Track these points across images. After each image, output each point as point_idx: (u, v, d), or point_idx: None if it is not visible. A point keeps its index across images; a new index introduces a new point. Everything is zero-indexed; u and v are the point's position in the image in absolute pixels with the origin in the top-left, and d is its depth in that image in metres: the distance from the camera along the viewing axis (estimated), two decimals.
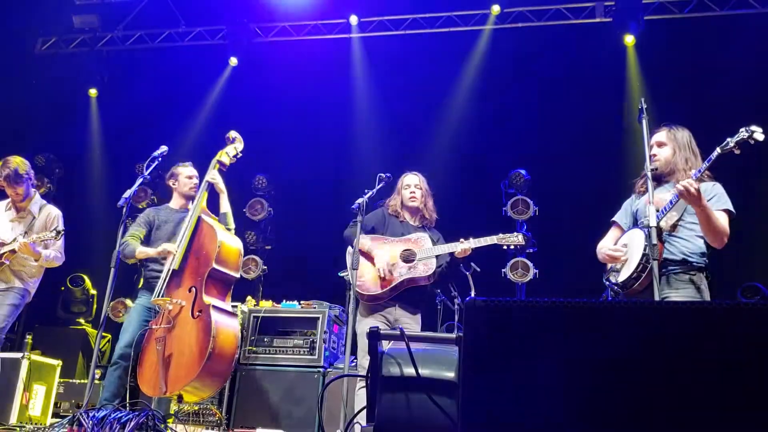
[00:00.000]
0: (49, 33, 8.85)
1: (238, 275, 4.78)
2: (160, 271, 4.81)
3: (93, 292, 7.93)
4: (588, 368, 1.72)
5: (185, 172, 5.24)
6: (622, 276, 3.69)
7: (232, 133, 5.25)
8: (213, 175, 5.00)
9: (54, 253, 5.09)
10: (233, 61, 8.36)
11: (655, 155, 3.81)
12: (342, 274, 4.53)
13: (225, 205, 5.05)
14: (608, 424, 1.67)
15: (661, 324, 1.71)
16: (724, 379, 1.64)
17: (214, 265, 4.57)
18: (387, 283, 4.36)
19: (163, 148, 4.92)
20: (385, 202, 4.73)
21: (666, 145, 3.83)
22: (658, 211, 3.61)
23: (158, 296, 4.59)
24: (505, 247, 4.41)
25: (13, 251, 4.92)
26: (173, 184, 5.25)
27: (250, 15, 8.27)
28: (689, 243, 3.70)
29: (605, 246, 3.98)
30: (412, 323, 4.43)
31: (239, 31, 8.28)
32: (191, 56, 8.55)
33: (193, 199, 5.17)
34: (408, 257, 4.41)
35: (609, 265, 3.91)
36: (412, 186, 4.66)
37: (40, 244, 4.95)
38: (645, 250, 3.52)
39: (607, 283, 3.86)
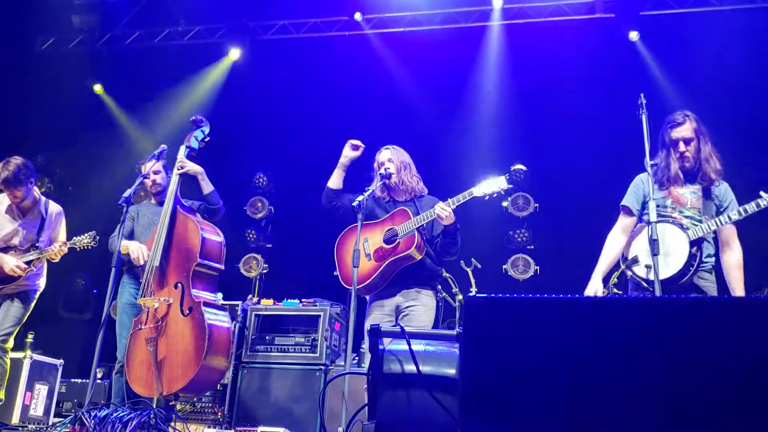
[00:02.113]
0: (48, 32, 8.84)
1: (223, 267, 4.70)
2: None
3: (94, 291, 7.95)
4: (590, 364, 1.72)
5: (143, 171, 5.08)
6: (664, 274, 3.60)
7: (198, 117, 5.10)
8: (182, 165, 4.83)
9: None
10: (234, 53, 8.32)
11: (684, 153, 3.82)
12: (337, 273, 4.44)
13: (206, 186, 4.90)
14: (610, 420, 1.67)
15: (666, 319, 1.71)
16: (728, 374, 1.63)
17: (200, 259, 4.49)
18: (373, 270, 4.18)
19: (163, 147, 4.92)
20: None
21: (693, 140, 3.83)
22: (682, 209, 3.74)
23: (143, 295, 4.50)
24: (486, 198, 4.02)
25: (38, 258, 4.89)
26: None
27: (249, 13, 8.27)
28: (707, 249, 3.79)
29: (616, 248, 3.95)
30: (417, 304, 4.17)
31: (239, 30, 8.28)
32: (191, 55, 8.54)
33: (159, 194, 5.11)
34: (391, 237, 4.21)
35: (632, 255, 3.85)
36: (386, 162, 4.43)
37: (82, 246, 4.94)
38: (692, 250, 3.59)
39: (630, 272, 3.80)
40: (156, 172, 5.08)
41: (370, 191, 4.27)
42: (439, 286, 5.86)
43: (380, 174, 4.38)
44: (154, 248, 4.60)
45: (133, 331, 4.56)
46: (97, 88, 8.79)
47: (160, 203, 5.08)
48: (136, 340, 4.50)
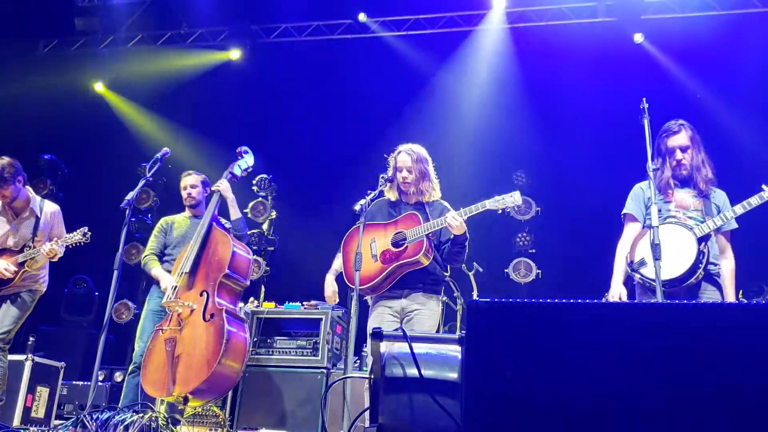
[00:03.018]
0: (51, 35, 8.87)
1: (248, 283, 4.94)
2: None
3: (96, 293, 7.95)
4: (591, 369, 1.72)
5: (182, 183, 5.48)
6: (669, 273, 3.61)
7: (244, 148, 5.44)
8: (218, 184, 5.16)
9: (62, 247, 5.04)
10: (235, 54, 8.33)
11: (681, 161, 3.89)
12: (342, 271, 4.44)
13: (234, 212, 5.21)
14: (612, 425, 1.67)
15: (667, 324, 1.71)
16: (730, 377, 1.63)
17: (228, 271, 4.70)
18: (379, 271, 4.14)
19: (165, 150, 4.96)
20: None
21: (689, 148, 3.91)
22: (685, 211, 3.79)
23: (169, 299, 4.66)
24: (500, 211, 4.07)
25: (33, 258, 4.87)
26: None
27: (251, 16, 8.28)
28: (713, 250, 3.80)
29: (622, 264, 3.96)
30: (422, 309, 4.14)
31: (241, 33, 8.30)
32: (193, 58, 8.55)
33: (194, 207, 5.41)
34: (399, 240, 4.17)
35: (639, 258, 3.85)
36: (404, 170, 4.33)
37: (73, 242, 4.91)
38: (701, 247, 3.60)
39: (638, 276, 3.79)
40: (193, 186, 5.41)
41: (372, 195, 4.25)
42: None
43: (382, 177, 4.37)
44: (187, 255, 4.83)
45: (153, 336, 4.70)
46: (99, 87, 8.78)
47: (195, 216, 5.38)
48: (156, 343, 4.62)
